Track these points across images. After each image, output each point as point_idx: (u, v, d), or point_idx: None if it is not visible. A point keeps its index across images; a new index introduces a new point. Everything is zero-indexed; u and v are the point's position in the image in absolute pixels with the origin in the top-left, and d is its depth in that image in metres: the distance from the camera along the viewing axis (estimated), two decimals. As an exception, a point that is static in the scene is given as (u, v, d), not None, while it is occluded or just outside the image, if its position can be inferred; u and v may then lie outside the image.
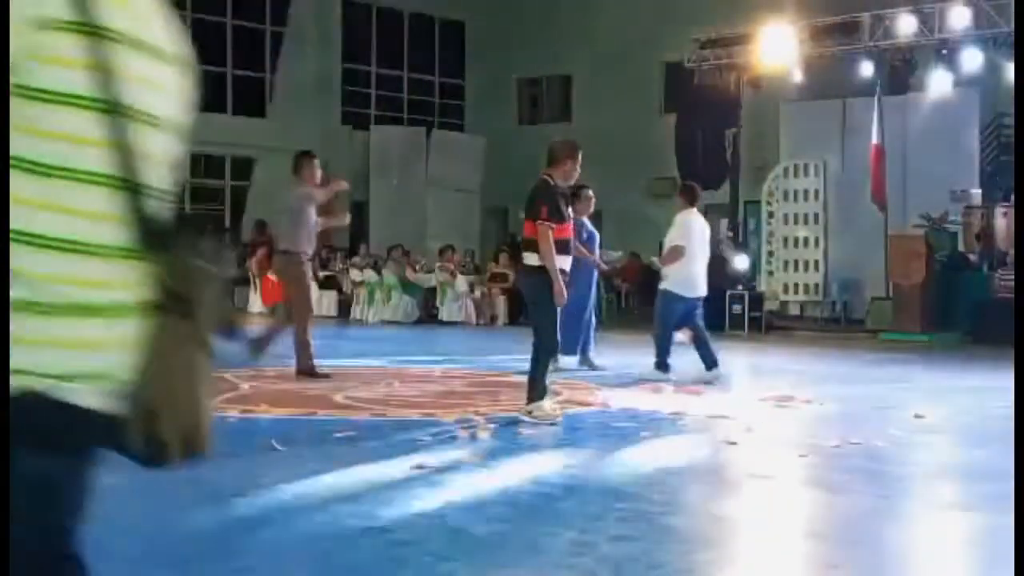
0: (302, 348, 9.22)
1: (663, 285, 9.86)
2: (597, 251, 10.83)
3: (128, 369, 1.56)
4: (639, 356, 11.71)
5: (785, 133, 19.64)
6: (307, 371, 9.17)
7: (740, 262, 17.35)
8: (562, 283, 6.94)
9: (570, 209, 7.60)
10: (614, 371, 10.55)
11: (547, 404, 7.11)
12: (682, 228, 9.91)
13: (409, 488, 4.98)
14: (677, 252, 9.72)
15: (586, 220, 10.49)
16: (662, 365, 9.68)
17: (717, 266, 17.41)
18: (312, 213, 9.22)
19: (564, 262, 7.13)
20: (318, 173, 9.40)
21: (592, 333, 10.75)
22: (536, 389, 7.11)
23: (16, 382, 1.50)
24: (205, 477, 5.15)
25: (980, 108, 17.96)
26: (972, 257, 16.43)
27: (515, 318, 18.00)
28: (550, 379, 7.49)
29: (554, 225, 6.95)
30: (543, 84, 28.58)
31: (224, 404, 7.65)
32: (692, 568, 3.89)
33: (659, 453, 6.09)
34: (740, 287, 16.76)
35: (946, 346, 14.17)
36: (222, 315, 1.67)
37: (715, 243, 18.73)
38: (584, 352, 10.68)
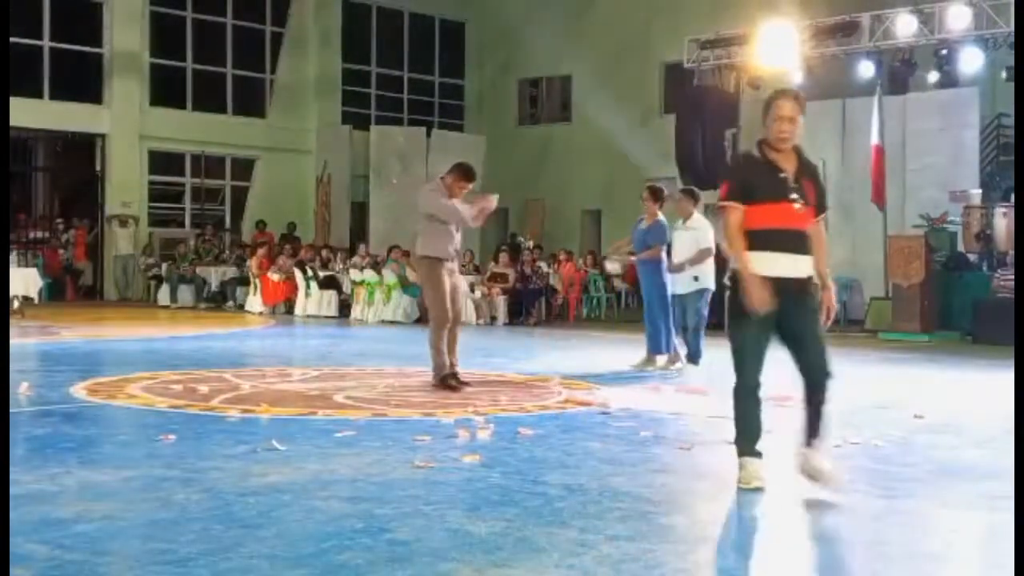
0: (436, 355, 8.77)
1: (700, 285, 10.46)
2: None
3: None
4: (640, 355, 11.72)
5: (785, 133, 19.59)
6: (443, 381, 8.71)
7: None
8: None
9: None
10: (613, 370, 10.56)
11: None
12: (704, 230, 10.58)
13: (409, 488, 4.98)
14: (707, 253, 10.47)
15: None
16: (695, 356, 10.49)
17: (718, 266, 17.47)
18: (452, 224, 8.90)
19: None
20: (459, 193, 8.95)
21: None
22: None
23: None
24: (205, 477, 5.17)
25: (980, 108, 17.95)
26: (972, 257, 16.42)
27: (515, 318, 18.01)
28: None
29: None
30: (543, 84, 28.58)
31: (224, 404, 7.66)
32: (692, 568, 3.89)
33: (659, 453, 6.09)
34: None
35: (946, 346, 14.17)
36: None
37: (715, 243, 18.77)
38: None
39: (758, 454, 5.13)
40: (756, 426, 5.15)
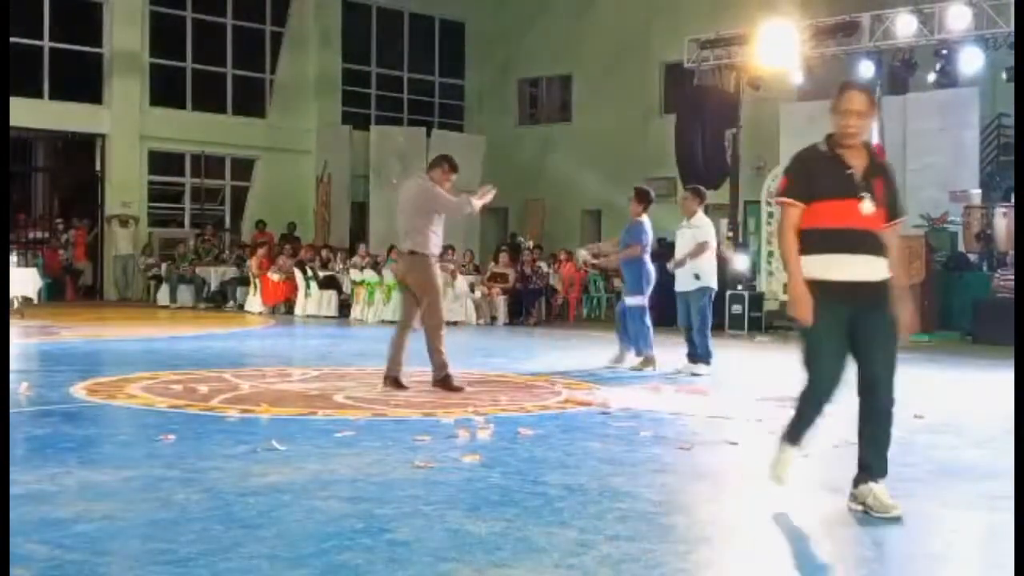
0: (439, 356, 8.63)
1: (701, 283, 10.47)
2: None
3: None
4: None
5: (785, 133, 19.61)
6: (440, 383, 8.57)
7: (740, 262, 17.34)
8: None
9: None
10: (613, 370, 10.56)
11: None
12: (706, 227, 10.64)
13: (409, 488, 4.98)
14: (705, 247, 10.49)
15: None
16: (706, 357, 10.47)
17: (718, 266, 17.45)
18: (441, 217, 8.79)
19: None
20: (449, 185, 8.95)
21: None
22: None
23: None
24: (205, 477, 5.17)
25: (980, 108, 17.94)
26: (972, 257, 16.42)
27: (515, 318, 18.01)
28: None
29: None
30: (543, 84, 28.59)
31: (224, 404, 7.66)
32: (692, 568, 3.89)
33: (659, 453, 6.09)
34: (740, 287, 16.75)
35: (946, 346, 14.16)
36: None
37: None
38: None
39: (799, 445, 5.01)
40: (810, 424, 5.00)
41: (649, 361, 10.65)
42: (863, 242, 4.66)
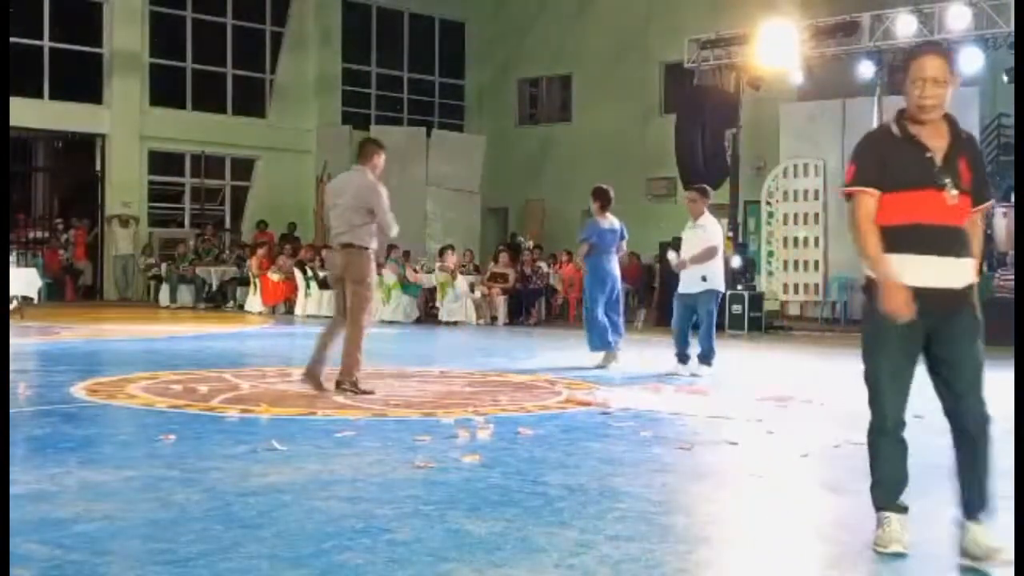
0: (357, 354, 8.38)
1: (708, 286, 10.31)
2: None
3: None
4: (640, 355, 11.73)
5: (785, 133, 19.64)
6: (348, 385, 8.29)
7: (733, 262, 17.37)
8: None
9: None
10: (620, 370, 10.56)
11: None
12: (714, 229, 10.50)
13: (409, 488, 4.98)
14: (714, 251, 10.38)
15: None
16: (709, 357, 10.36)
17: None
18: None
19: None
20: (382, 165, 8.74)
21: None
22: None
23: None
24: (205, 477, 5.17)
25: (980, 108, 17.94)
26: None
27: (515, 318, 18.01)
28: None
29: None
30: (543, 84, 28.59)
31: (224, 404, 7.66)
32: (692, 568, 3.89)
33: (659, 453, 6.09)
34: (740, 287, 16.75)
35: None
36: None
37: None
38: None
39: (902, 508, 4.10)
40: (899, 473, 4.10)
41: (612, 358, 10.89)
42: (945, 240, 3.86)
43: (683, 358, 10.33)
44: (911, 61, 4.07)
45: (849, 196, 4.07)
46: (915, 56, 4.09)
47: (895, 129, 4.02)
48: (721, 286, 10.57)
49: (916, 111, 3.97)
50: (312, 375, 8.38)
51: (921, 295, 3.82)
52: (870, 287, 3.96)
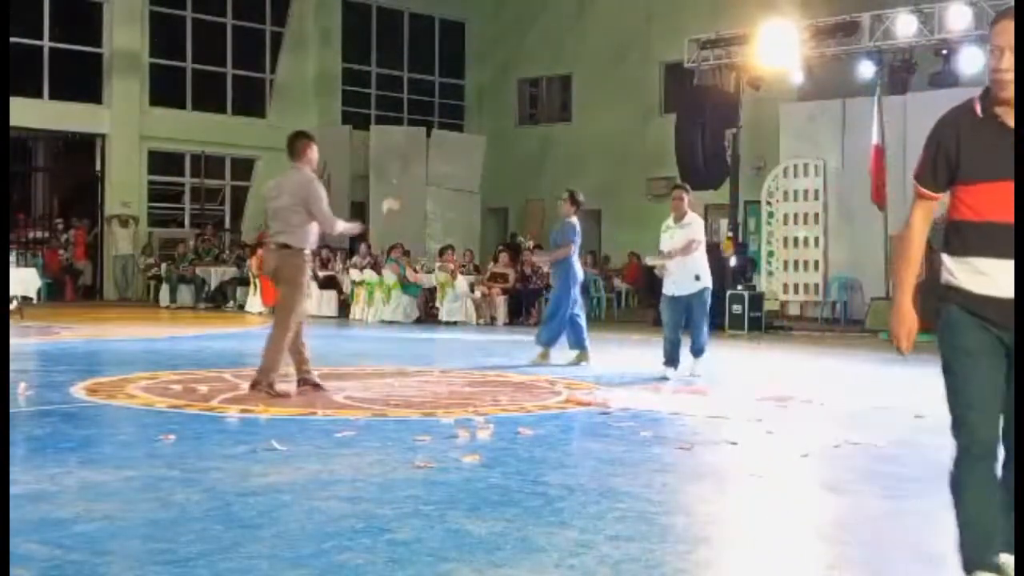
0: (278, 356, 8.10)
1: (703, 284, 10.16)
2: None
3: None
4: (640, 355, 11.74)
5: (785, 133, 19.64)
6: (264, 385, 8.00)
7: (732, 261, 17.38)
8: None
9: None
10: (617, 370, 10.56)
11: None
12: (698, 225, 10.30)
13: (409, 488, 4.98)
14: (696, 244, 10.15)
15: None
16: (701, 352, 10.31)
17: (718, 266, 17.45)
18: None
19: None
20: (316, 156, 8.57)
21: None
22: None
23: None
24: (205, 477, 5.17)
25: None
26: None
27: (515, 318, 18.00)
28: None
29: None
30: (543, 84, 28.60)
31: (224, 404, 7.66)
32: (692, 568, 3.89)
33: (659, 453, 6.09)
34: (740, 287, 16.76)
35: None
36: None
37: (715, 243, 18.74)
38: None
39: (994, 567, 3.37)
40: (990, 519, 3.41)
41: (583, 357, 11.07)
42: None
43: (675, 362, 10.11)
44: (990, 28, 3.34)
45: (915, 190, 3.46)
46: (994, 22, 3.33)
47: (976, 108, 3.33)
48: (711, 281, 10.42)
49: (997, 87, 3.27)
50: (304, 382, 8.29)
51: (1002, 305, 3.24)
52: (947, 295, 3.39)
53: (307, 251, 8.23)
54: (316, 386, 8.31)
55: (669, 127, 19.38)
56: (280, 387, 8.04)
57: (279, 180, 8.62)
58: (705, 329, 10.32)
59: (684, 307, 10.21)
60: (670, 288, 10.24)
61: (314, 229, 8.23)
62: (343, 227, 8.59)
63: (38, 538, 3.99)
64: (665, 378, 9.90)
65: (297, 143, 8.44)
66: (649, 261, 10.62)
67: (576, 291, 11.23)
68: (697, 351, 10.27)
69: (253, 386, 8.03)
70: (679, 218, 10.29)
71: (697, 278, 10.18)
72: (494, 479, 5.24)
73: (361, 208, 24.86)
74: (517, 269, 18.64)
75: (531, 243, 21.64)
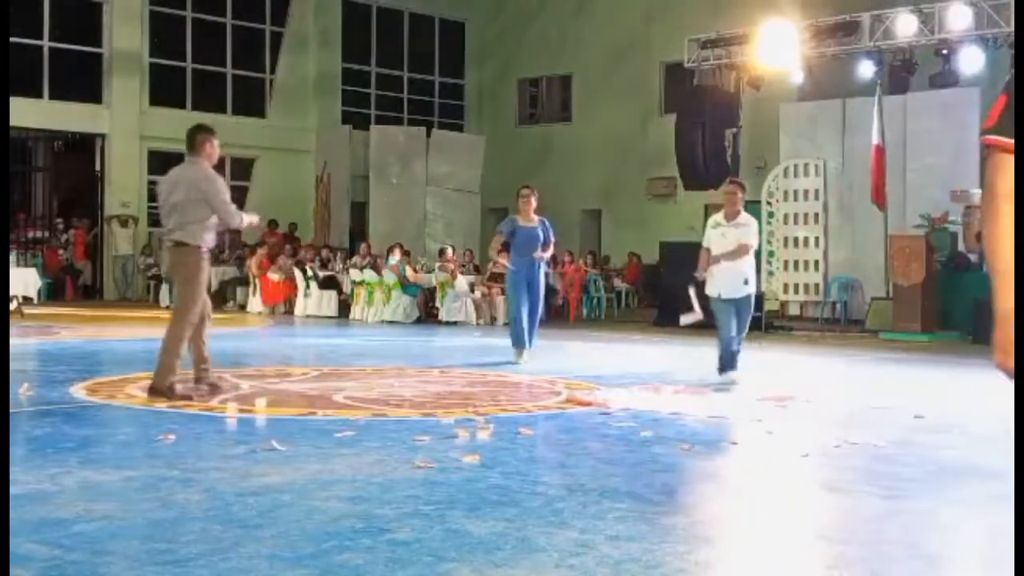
0: (175, 357, 7.86)
1: (751, 289, 9.71)
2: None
3: None
4: (640, 355, 11.74)
5: (785, 133, 19.64)
6: (164, 389, 7.75)
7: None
8: None
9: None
10: (616, 371, 10.56)
11: None
12: (753, 226, 9.82)
13: (409, 488, 4.98)
14: (748, 248, 9.66)
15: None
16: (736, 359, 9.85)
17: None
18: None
19: None
20: (218, 151, 8.37)
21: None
22: None
23: None
24: (205, 477, 5.16)
25: (980, 108, 17.94)
26: (972, 257, 16.42)
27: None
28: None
29: None
30: (543, 84, 28.60)
31: (224, 404, 7.66)
32: (692, 568, 3.89)
33: (659, 453, 6.08)
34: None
35: (946, 346, 14.17)
36: None
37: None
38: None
39: None
40: None
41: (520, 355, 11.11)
42: None
43: (733, 363, 9.61)
44: None
45: (991, 147, 2.50)
46: None
47: None
48: (755, 287, 9.98)
49: None
50: (205, 383, 8.02)
51: None
52: None
53: (204, 249, 7.89)
54: (214, 387, 8.00)
55: (669, 127, 19.41)
56: (180, 388, 7.80)
57: (173, 174, 8.31)
58: (742, 334, 9.80)
59: (732, 309, 9.66)
60: (717, 289, 9.66)
61: (212, 226, 7.92)
62: (247, 220, 8.23)
63: (38, 538, 3.99)
64: (733, 383, 9.40)
65: (196, 136, 8.16)
66: (701, 274, 9.75)
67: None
68: (733, 360, 9.73)
69: (152, 391, 7.75)
70: (732, 216, 9.66)
71: (746, 282, 9.64)
72: (494, 479, 5.24)
73: (361, 208, 24.90)
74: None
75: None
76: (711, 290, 9.68)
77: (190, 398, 7.70)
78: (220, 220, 7.96)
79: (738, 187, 9.93)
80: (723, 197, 10.03)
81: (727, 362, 9.61)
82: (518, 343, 11.04)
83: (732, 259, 9.49)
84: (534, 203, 11.31)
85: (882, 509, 4.83)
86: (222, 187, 7.98)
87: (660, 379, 9.85)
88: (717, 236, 9.65)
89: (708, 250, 9.66)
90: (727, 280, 9.57)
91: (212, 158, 8.16)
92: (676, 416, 7.52)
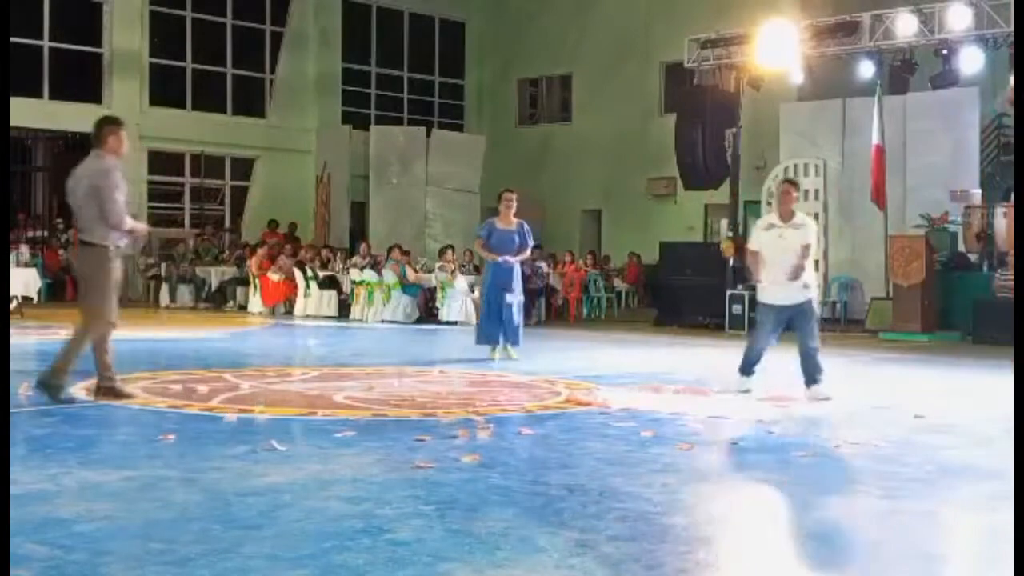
0: (72, 356, 7.64)
1: (811, 293, 8.74)
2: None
3: None
4: (640, 355, 11.74)
5: (785, 133, 19.63)
6: (110, 389, 7.66)
7: (732, 262, 17.38)
8: None
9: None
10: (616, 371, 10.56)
11: None
12: (812, 226, 8.92)
13: (409, 488, 4.98)
14: (811, 249, 8.78)
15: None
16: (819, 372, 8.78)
17: (718, 266, 17.47)
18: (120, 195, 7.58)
19: None
20: (126, 144, 7.91)
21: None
22: None
23: None
24: (205, 477, 5.16)
25: (980, 108, 17.95)
26: (972, 257, 16.43)
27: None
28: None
29: None
30: (543, 84, 28.60)
31: (224, 404, 7.66)
32: (692, 568, 3.89)
33: (659, 453, 6.08)
34: (740, 287, 16.76)
35: (946, 346, 14.16)
36: None
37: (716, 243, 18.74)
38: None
39: None
40: None
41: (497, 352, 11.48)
42: None
43: (751, 371, 8.92)
44: None
45: None
46: None
47: None
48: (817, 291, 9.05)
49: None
50: (104, 389, 7.75)
51: None
52: None
53: (111, 248, 7.55)
54: (116, 393, 7.71)
55: (669, 127, 19.39)
56: (72, 391, 7.66)
57: (78, 170, 7.84)
58: (817, 343, 8.77)
59: (786, 319, 8.75)
60: (771, 296, 8.76)
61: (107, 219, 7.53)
62: (131, 225, 7.75)
63: (38, 538, 3.99)
64: (747, 390, 8.73)
65: (101, 128, 7.72)
66: (762, 280, 8.86)
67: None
68: (816, 369, 8.66)
69: (98, 394, 7.64)
70: (787, 216, 8.76)
71: (806, 286, 8.70)
72: (494, 479, 5.24)
73: (361, 208, 24.89)
74: (517, 269, 18.61)
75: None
76: (765, 297, 8.83)
77: (73, 402, 7.51)
78: (103, 216, 7.53)
79: (792, 186, 9.12)
80: (777, 196, 9.18)
81: (751, 365, 8.85)
82: (488, 340, 11.52)
83: (802, 262, 8.56)
84: (514, 207, 11.66)
85: (882, 509, 4.83)
86: (116, 183, 7.51)
87: (660, 379, 9.85)
88: (773, 238, 8.74)
89: (758, 253, 8.82)
90: (789, 285, 8.62)
91: (118, 152, 7.70)
92: (676, 416, 7.52)
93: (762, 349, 8.84)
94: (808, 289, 8.69)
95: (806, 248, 8.61)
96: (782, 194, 8.96)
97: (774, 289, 8.71)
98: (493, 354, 11.39)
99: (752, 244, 8.99)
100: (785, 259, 8.56)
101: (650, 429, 6.85)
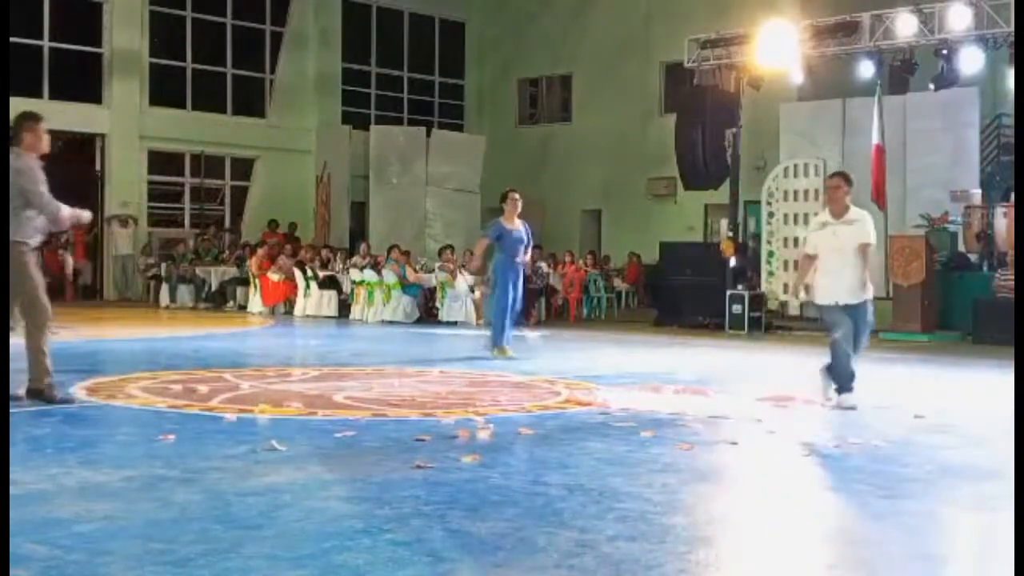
0: (44, 357, 7.49)
1: (869, 295, 8.18)
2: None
3: None
4: (640, 356, 11.74)
5: (785, 133, 19.64)
6: (41, 391, 7.46)
7: (732, 262, 17.40)
8: None
9: None
10: (616, 372, 10.56)
11: None
12: (869, 222, 8.32)
13: (409, 488, 4.98)
14: (870, 247, 8.26)
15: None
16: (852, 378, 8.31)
17: (718, 266, 17.46)
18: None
19: None
20: (45, 140, 7.50)
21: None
22: None
23: None
24: (205, 477, 5.17)
25: (980, 108, 17.95)
26: (972, 257, 16.43)
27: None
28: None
29: None
30: (543, 84, 28.60)
31: (224, 404, 7.66)
32: (692, 568, 3.89)
33: (659, 453, 6.08)
34: (740, 287, 16.76)
35: (946, 346, 14.16)
36: None
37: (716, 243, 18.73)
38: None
39: None
40: None
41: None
42: None
43: (850, 387, 8.11)
44: None
45: None
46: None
47: None
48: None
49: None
50: (35, 392, 7.51)
51: None
52: None
53: (29, 243, 7.34)
54: (52, 398, 7.48)
55: (669, 127, 19.39)
56: (58, 393, 7.55)
57: None
58: (860, 350, 8.25)
59: (851, 319, 8.12)
60: (834, 296, 8.16)
61: (36, 220, 7.35)
62: (69, 213, 7.53)
63: (38, 538, 3.99)
64: (852, 407, 7.96)
65: (17, 125, 7.44)
66: (800, 294, 8.56)
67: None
68: (851, 377, 8.15)
69: (31, 394, 7.46)
70: (840, 212, 8.21)
71: (864, 285, 8.15)
72: (494, 479, 5.24)
73: (361, 208, 24.89)
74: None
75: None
76: (824, 298, 8.19)
77: (72, 402, 7.55)
78: (40, 213, 7.33)
79: (842, 179, 8.32)
80: (826, 193, 8.58)
81: (845, 382, 8.09)
82: (499, 342, 11.56)
83: (864, 259, 8.10)
84: (520, 207, 11.79)
85: (882, 509, 4.83)
86: (39, 177, 7.29)
87: (660, 379, 9.85)
88: (827, 236, 8.22)
89: (813, 257, 8.29)
90: (844, 283, 8.09)
91: (36, 147, 7.41)
92: (676, 416, 7.52)
93: (850, 355, 8.06)
94: (866, 289, 8.13)
95: (864, 248, 8.05)
96: (832, 189, 8.31)
97: (835, 288, 8.11)
98: (503, 353, 11.39)
99: (808, 248, 8.43)
100: (839, 258, 8.08)
101: (650, 429, 6.85)
